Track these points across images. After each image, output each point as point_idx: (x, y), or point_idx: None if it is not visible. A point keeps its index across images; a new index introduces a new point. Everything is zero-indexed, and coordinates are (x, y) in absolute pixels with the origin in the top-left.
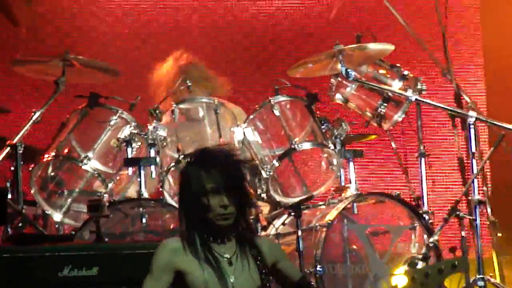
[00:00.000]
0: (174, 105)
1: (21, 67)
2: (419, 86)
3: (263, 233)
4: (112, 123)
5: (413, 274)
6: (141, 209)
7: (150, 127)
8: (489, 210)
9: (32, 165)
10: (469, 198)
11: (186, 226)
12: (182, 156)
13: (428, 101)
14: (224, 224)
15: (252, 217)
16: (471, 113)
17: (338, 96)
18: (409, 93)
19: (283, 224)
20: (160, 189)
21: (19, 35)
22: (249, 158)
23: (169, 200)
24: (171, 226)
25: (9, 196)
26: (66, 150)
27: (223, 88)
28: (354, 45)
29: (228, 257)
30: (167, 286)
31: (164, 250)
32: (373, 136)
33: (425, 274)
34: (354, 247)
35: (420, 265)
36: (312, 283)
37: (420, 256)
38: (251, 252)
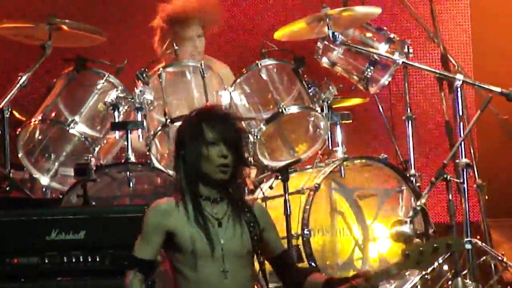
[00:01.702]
0: (161, 69)
1: (7, 31)
2: (405, 49)
3: (250, 197)
4: (99, 87)
5: (407, 251)
6: (128, 173)
7: (137, 91)
8: (476, 173)
9: (19, 129)
10: (456, 161)
11: (180, 182)
12: (169, 119)
13: (415, 64)
14: (221, 177)
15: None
16: (458, 76)
17: (325, 60)
18: (396, 56)
19: (270, 187)
20: (147, 153)
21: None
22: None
23: (156, 164)
24: (158, 190)
25: None
26: (53, 114)
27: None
28: (341, 8)
29: (219, 217)
30: (158, 247)
31: (154, 212)
32: (360, 100)
33: (420, 252)
34: (342, 210)
35: (415, 242)
36: (292, 259)
37: (412, 233)
38: (245, 217)
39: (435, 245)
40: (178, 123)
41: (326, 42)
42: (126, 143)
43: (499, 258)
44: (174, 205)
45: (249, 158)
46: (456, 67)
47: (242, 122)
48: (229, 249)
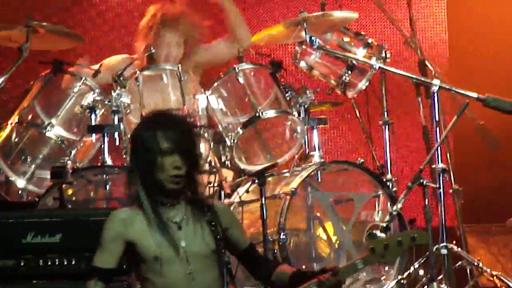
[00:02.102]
0: (138, 72)
1: None
2: (383, 54)
3: (226, 201)
4: (76, 89)
5: (372, 245)
6: (104, 176)
7: (114, 94)
8: (452, 178)
9: None
10: (433, 166)
11: (136, 189)
12: None
13: (392, 69)
14: (174, 187)
15: (212, 182)
16: (435, 81)
17: (302, 64)
18: (373, 61)
19: (247, 191)
20: (124, 156)
21: None
22: (205, 124)
23: None
24: None
25: None
26: (29, 117)
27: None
28: (319, 13)
29: (178, 221)
30: (118, 257)
31: (112, 222)
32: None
33: (385, 246)
34: (318, 214)
35: (380, 236)
36: (259, 252)
37: (379, 228)
38: (205, 216)
39: (399, 238)
40: None
41: (303, 47)
42: (102, 146)
43: (475, 263)
44: (132, 214)
45: (205, 164)
46: (433, 73)
47: (219, 127)
48: (192, 250)
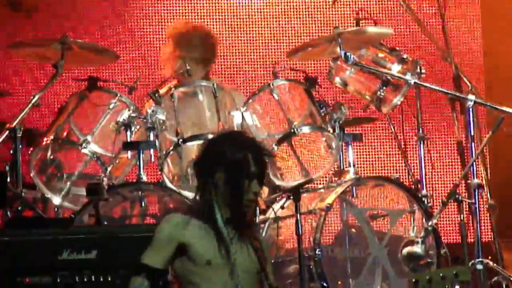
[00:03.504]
0: (173, 89)
1: (20, 50)
2: (418, 70)
3: (261, 217)
4: (111, 106)
5: (416, 279)
6: (140, 192)
7: (149, 111)
8: (488, 193)
9: (31, 149)
10: (468, 181)
11: (208, 204)
12: (181, 140)
13: (427, 84)
14: (246, 210)
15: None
16: (470, 96)
17: (337, 80)
18: (408, 76)
19: (282, 207)
20: (160, 173)
21: (19, 18)
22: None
23: (168, 183)
24: (170, 210)
25: (9, 179)
26: (65, 134)
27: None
28: (354, 29)
29: (231, 237)
30: (167, 258)
31: (169, 223)
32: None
33: (428, 279)
34: (353, 230)
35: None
36: None
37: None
38: (251, 243)
39: (442, 274)
40: (190, 143)
41: (338, 62)
42: (138, 162)
43: (511, 278)
44: (189, 219)
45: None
46: (469, 88)
47: None
48: (241, 265)
